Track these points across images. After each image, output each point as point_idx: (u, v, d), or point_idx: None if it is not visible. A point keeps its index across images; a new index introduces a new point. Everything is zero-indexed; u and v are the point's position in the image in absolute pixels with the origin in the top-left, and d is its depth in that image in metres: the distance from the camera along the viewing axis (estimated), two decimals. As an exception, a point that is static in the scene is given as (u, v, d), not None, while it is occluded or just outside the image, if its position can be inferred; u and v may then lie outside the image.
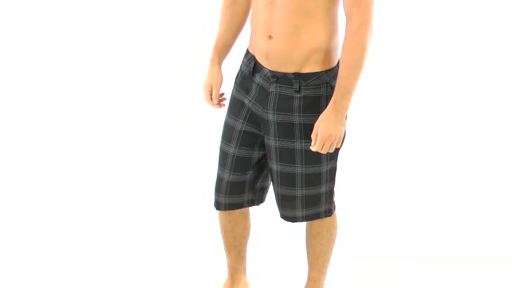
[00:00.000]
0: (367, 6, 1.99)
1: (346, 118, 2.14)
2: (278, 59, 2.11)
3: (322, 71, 2.12)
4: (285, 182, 2.24)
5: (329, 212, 2.32)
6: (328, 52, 2.11)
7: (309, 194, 2.25)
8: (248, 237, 2.54)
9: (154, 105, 4.13)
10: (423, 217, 3.18)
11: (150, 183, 3.42)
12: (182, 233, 3.04)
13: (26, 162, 3.55)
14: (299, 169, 2.20)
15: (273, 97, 2.16)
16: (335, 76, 2.13)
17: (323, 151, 2.10)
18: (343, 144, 2.28)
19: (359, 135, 3.87)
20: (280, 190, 2.27)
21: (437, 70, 4.59)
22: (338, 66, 2.13)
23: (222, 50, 2.29)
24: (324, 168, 2.22)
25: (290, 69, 2.11)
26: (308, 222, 2.39)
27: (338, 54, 2.17)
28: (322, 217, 2.31)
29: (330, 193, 2.28)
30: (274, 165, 2.24)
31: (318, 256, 2.44)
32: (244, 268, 2.61)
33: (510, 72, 4.56)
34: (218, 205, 2.39)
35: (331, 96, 2.12)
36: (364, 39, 2.00)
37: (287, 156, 2.19)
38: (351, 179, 3.47)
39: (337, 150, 2.21)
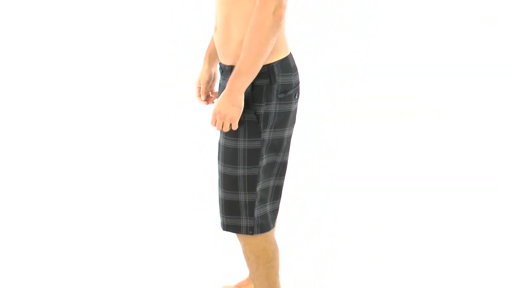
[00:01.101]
0: None
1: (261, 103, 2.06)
2: (219, 51, 2.15)
3: None
4: (218, 179, 2.21)
5: (251, 230, 2.18)
6: None
7: (227, 198, 2.17)
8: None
9: (154, 105, 4.13)
10: (419, 216, 3.18)
11: (150, 182, 3.42)
12: (182, 233, 3.05)
13: (25, 162, 3.55)
14: (220, 166, 2.17)
15: (221, 89, 2.21)
16: (261, 75, 2.06)
17: (217, 128, 2.06)
18: (277, 155, 2.18)
19: (351, 134, 3.87)
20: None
21: (433, 70, 4.60)
22: (271, 65, 2.07)
23: (213, 50, 2.35)
24: (241, 171, 2.13)
25: (227, 61, 2.13)
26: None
27: (274, 53, 2.07)
28: (243, 233, 2.19)
29: (251, 206, 2.16)
30: None
31: (253, 277, 2.32)
32: None
33: (505, 72, 4.57)
34: None
35: (254, 93, 2.07)
36: (262, 21, 1.96)
37: (218, 150, 2.20)
38: (347, 179, 3.47)
39: (255, 157, 2.12)
